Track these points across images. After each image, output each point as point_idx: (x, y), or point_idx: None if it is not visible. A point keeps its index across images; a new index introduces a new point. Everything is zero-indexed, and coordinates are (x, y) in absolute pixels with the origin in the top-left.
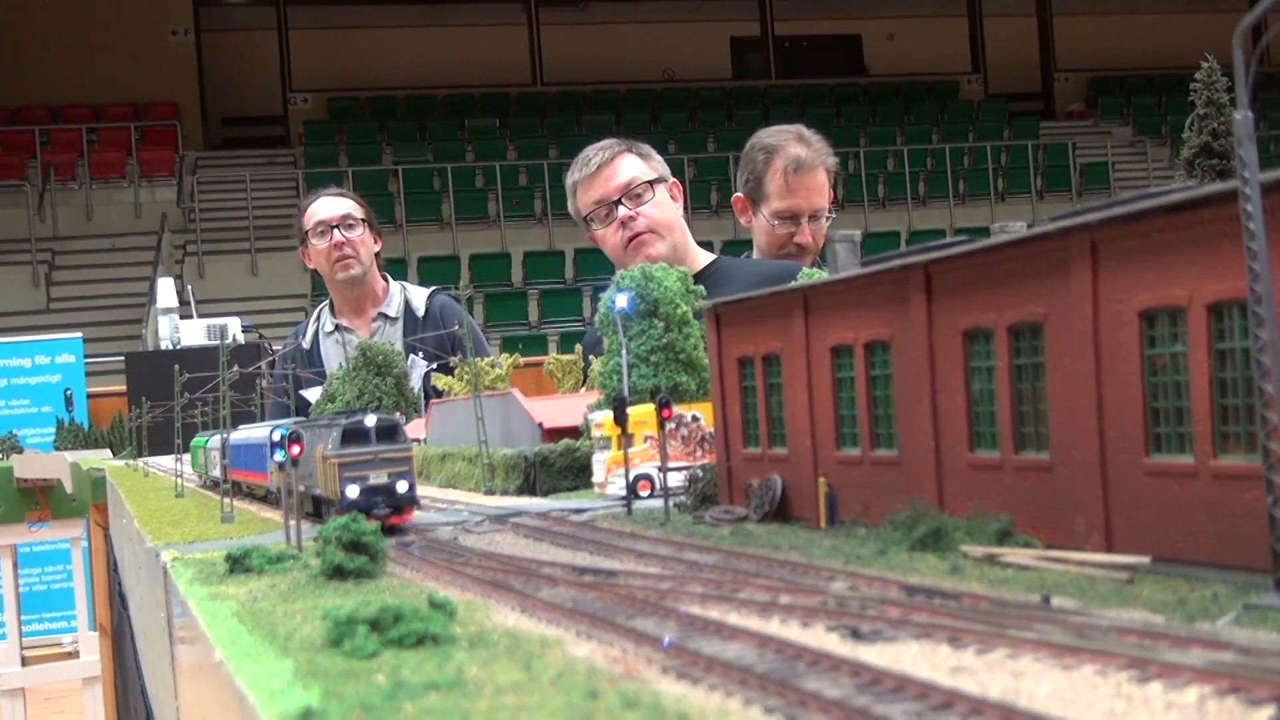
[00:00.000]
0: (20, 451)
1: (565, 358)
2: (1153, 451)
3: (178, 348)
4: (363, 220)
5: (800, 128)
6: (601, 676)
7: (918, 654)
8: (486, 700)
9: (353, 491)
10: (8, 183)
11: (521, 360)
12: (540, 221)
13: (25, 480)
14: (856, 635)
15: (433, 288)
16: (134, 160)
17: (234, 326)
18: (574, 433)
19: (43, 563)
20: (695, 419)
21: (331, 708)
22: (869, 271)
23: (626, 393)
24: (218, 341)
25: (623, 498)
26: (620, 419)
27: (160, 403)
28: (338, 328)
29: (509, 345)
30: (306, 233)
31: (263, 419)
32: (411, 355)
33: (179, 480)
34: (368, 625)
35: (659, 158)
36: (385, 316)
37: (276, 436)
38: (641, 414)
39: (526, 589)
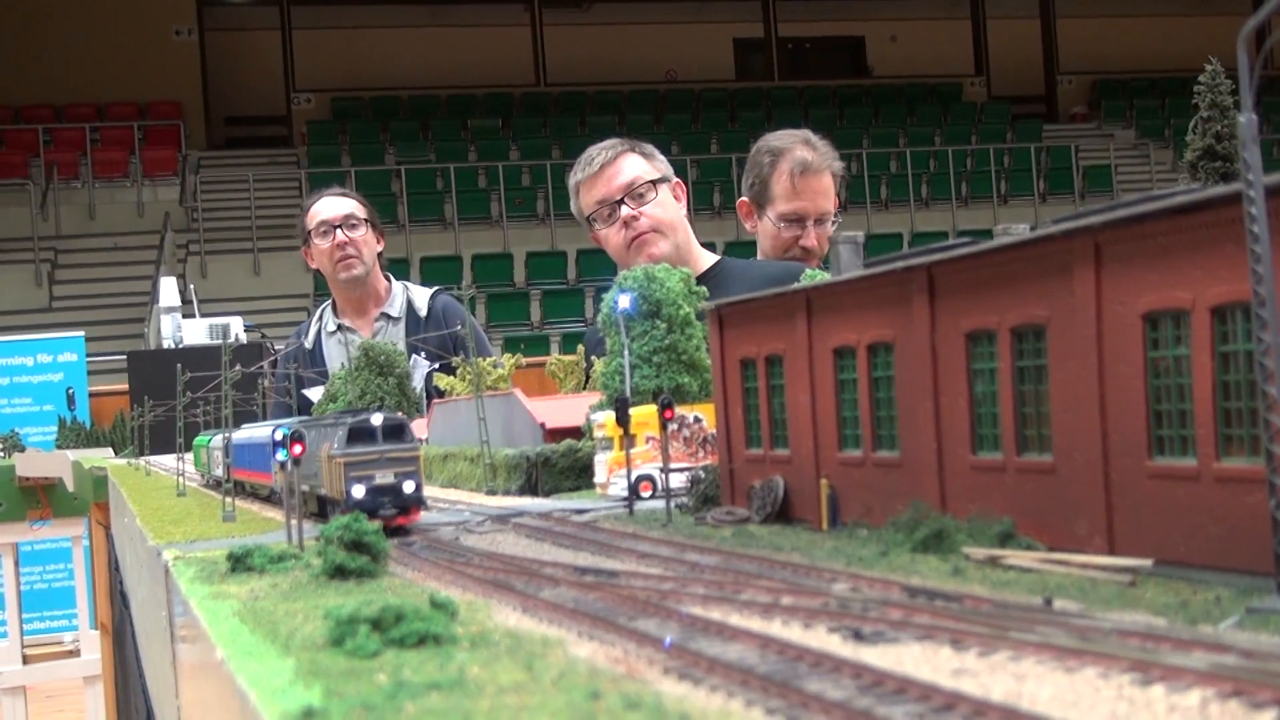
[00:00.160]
0: (22, 450)
1: (567, 358)
2: (1155, 454)
3: (180, 347)
4: (365, 220)
5: (806, 132)
6: (603, 677)
7: (920, 656)
8: (488, 700)
9: (358, 491)
10: (11, 181)
11: (524, 360)
12: (543, 222)
13: (27, 479)
14: (858, 637)
15: (435, 288)
16: (137, 159)
17: (236, 326)
18: (576, 433)
19: (44, 561)
20: (697, 420)
21: (333, 707)
22: (872, 273)
23: (629, 393)
24: (220, 341)
25: (624, 498)
26: (622, 420)
27: (162, 402)
28: (340, 328)
29: (511, 345)
30: (309, 232)
31: (265, 419)
32: (414, 355)
33: (181, 479)
34: (369, 625)
35: (662, 158)
36: (388, 316)
37: (279, 436)
38: (644, 415)
39: (528, 589)
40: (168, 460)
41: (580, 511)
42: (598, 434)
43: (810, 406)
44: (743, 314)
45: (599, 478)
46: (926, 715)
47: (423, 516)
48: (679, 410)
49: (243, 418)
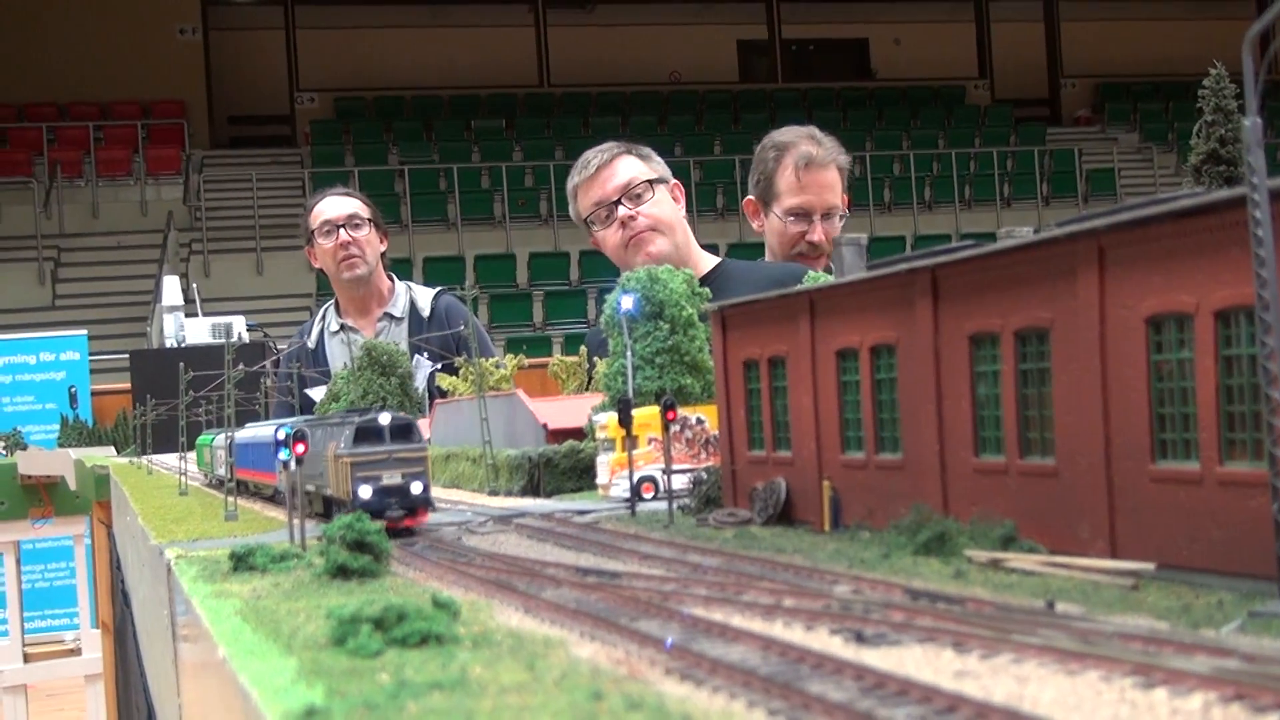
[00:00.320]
0: (24, 448)
1: (570, 359)
2: (1158, 458)
3: (182, 346)
4: (369, 220)
5: (812, 128)
6: (605, 677)
7: (921, 658)
8: (490, 700)
9: (365, 492)
10: (14, 180)
11: (526, 361)
12: (546, 223)
13: (29, 477)
14: (860, 639)
15: (438, 288)
16: (140, 158)
17: (239, 325)
18: (578, 434)
19: (46, 559)
20: (700, 421)
21: (335, 706)
22: (875, 275)
23: (631, 394)
24: (222, 340)
25: (627, 500)
26: (625, 421)
27: (164, 401)
28: (343, 327)
29: (513, 346)
30: (312, 232)
31: (267, 418)
32: (416, 355)
33: (183, 478)
34: (371, 624)
35: (659, 160)
36: (391, 316)
37: (282, 435)
38: (646, 416)
39: (530, 590)
40: (170, 459)
41: (582, 512)
42: (600, 435)
43: (813, 408)
44: (746, 315)
45: (601, 479)
46: (928, 717)
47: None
48: (681, 411)
49: (245, 417)
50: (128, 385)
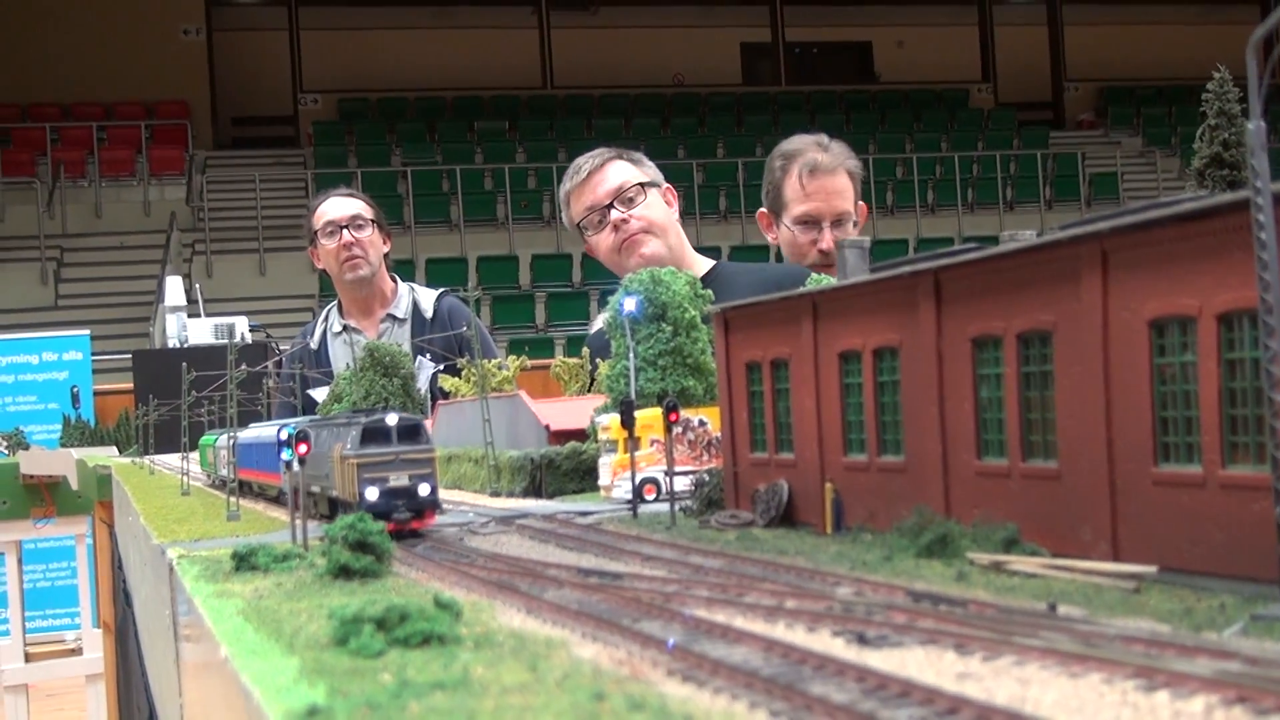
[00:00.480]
0: (26, 448)
1: (572, 360)
2: (1161, 461)
3: (185, 346)
4: (372, 221)
5: (820, 136)
6: (607, 678)
7: (923, 660)
8: (492, 700)
9: (372, 494)
10: (18, 180)
11: (528, 362)
12: (548, 224)
13: (31, 476)
14: (862, 640)
15: (441, 289)
16: (144, 159)
17: (241, 325)
18: (580, 435)
19: (47, 559)
20: (702, 423)
21: (337, 705)
22: (878, 278)
23: (634, 396)
24: (225, 340)
25: (629, 501)
26: (627, 422)
27: (167, 401)
28: (346, 328)
29: (516, 347)
30: (316, 233)
31: (269, 418)
32: (419, 357)
33: (185, 478)
34: (374, 624)
35: (651, 164)
36: (393, 318)
37: (284, 435)
38: (648, 417)
39: (532, 590)
40: (172, 459)
41: (584, 514)
42: (602, 436)
43: (815, 410)
44: (748, 317)
45: (603, 480)
46: (930, 719)
47: None
48: (684, 413)
49: (247, 417)
50: (130, 385)
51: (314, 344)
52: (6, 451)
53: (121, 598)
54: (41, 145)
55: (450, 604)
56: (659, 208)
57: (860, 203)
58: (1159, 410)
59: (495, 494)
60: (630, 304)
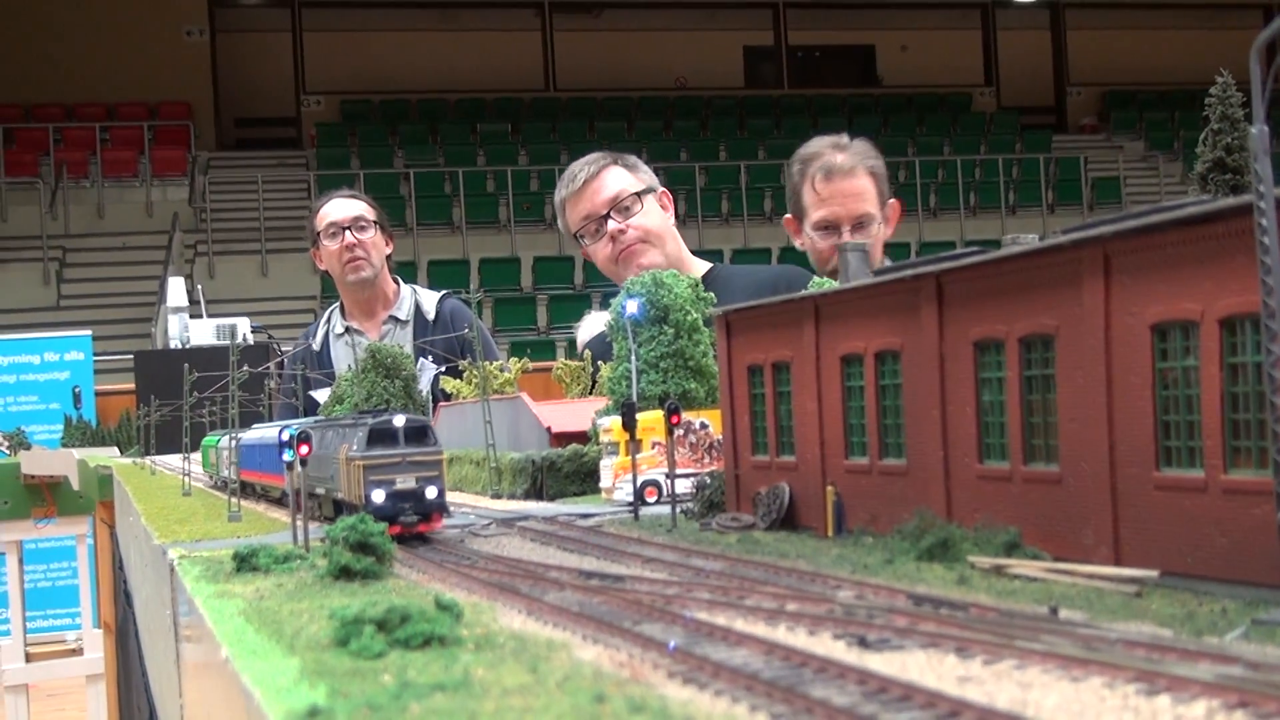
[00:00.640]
0: (28, 448)
1: (574, 363)
2: (1163, 465)
3: (187, 347)
4: (375, 222)
5: (839, 137)
6: (608, 680)
7: (924, 663)
8: (493, 702)
9: (378, 496)
10: (21, 180)
11: (530, 365)
12: (550, 227)
13: (32, 476)
14: (863, 643)
15: (443, 291)
16: (146, 159)
17: (243, 327)
18: (582, 438)
19: (48, 559)
20: (704, 426)
21: (338, 706)
22: (880, 281)
23: (635, 398)
24: (227, 341)
25: (630, 503)
26: (629, 425)
27: (168, 402)
28: (348, 330)
29: (517, 350)
30: (318, 234)
31: (270, 419)
32: (421, 358)
33: (186, 479)
34: (375, 625)
35: (646, 169)
36: (396, 319)
37: (286, 436)
38: (650, 420)
39: (533, 592)
40: (173, 460)
41: (585, 516)
42: (604, 439)
43: (817, 413)
44: (751, 320)
45: (604, 482)
46: None
47: None
48: (685, 416)
49: (249, 418)
50: (132, 386)
51: (316, 345)
52: (8, 451)
53: (122, 598)
54: (44, 145)
55: (451, 605)
56: (655, 215)
57: (893, 200)
58: (1161, 414)
59: (497, 496)
60: (632, 306)
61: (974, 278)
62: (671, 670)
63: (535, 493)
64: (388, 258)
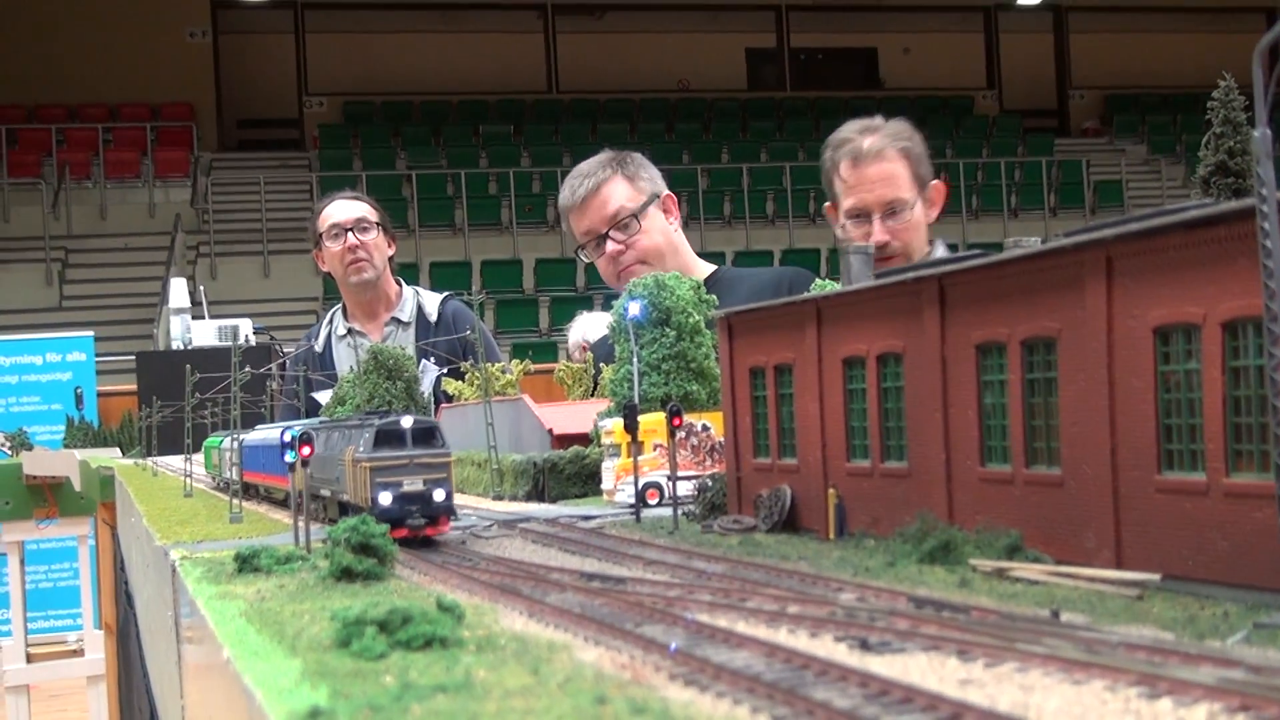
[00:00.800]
0: (30, 448)
1: (575, 365)
2: (1164, 468)
3: (189, 348)
4: (377, 224)
5: (871, 120)
6: (609, 682)
7: (926, 666)
8: (494, 703)
9: (385, 498)
10: (23, 181)
11: (532, 367)
12: (552, 229)
13: (34, 477)
14: (865, 646)
15: (446, 293)
16: (149, 160)
17: (245, 328)
18: (584, 439)
19: (49, 560)
20: (705, 428)
21: (339, 707)
22: (882, 284)
23: (637, 400)
24: (229, 342)
25: (631, 505)
26: (631, 427)
27: (170, 403)
28: (350, 331)
29: (519, 352)
30: (320, 235)
31: (272, 420)
32: (423, 360)
33: (188, 480)
34: (376, 626)
35: (650, 172)
36: (398, 321)
37: (288, 437)
38: (652, 422)
39: (535, 594)
40: (175, 461)
41: (587, 518)
42: (605, 440)
43: (819, 416)
44: (753, 323)
45: (606, 484)
46: None
47: None
48: (687, 418)
49: (251, 420)
50: (134, 387)
51: (319, 347)
52: (10, 452)
53: (123, 599)
54: (47, 146)
55: (453, 607)
56: (656, 228)
57: (935, 181)
58: (1163, 418)
59: (498, 498)
60: (634, 308)
61: (976, 280)
62: (673, 672)
63: (537, 494)
64: (390, 259)
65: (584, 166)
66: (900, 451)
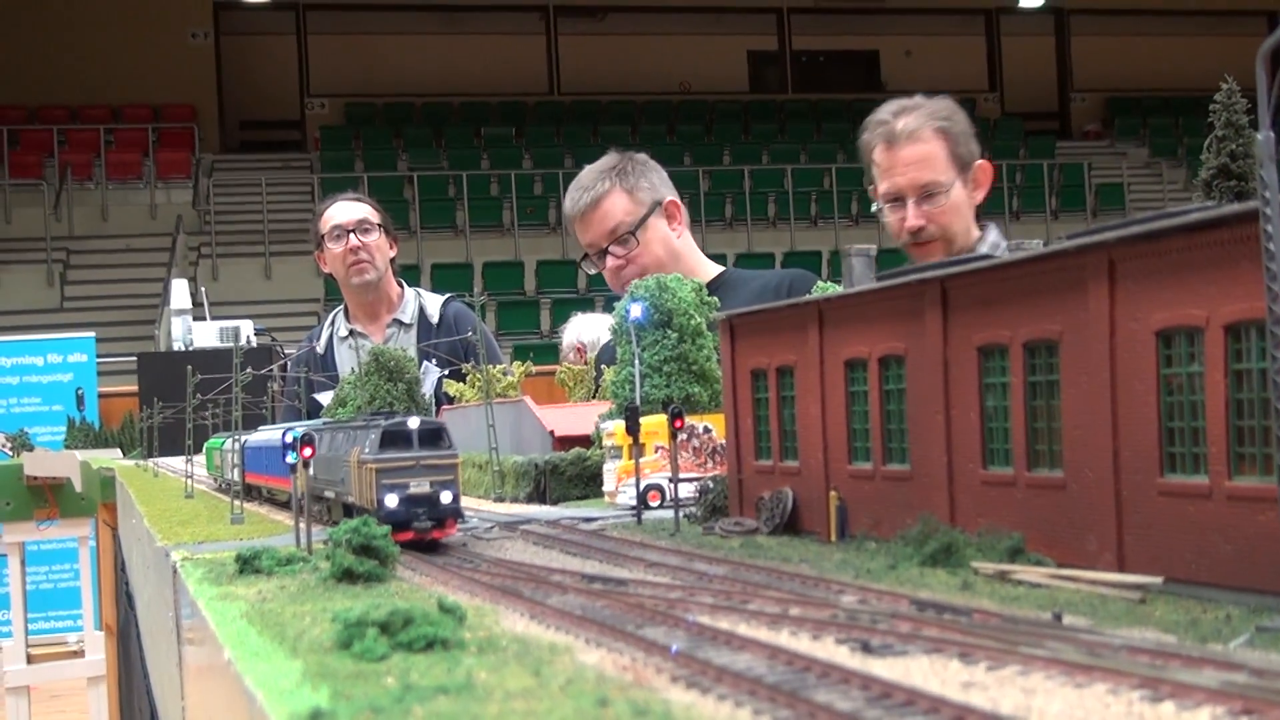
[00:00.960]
0: (31, 449)
1: (577, 367)
2: (1167, 471)
3: (190, 349)
4: (379, 225)
5: (909, 99)
6: (611, 684)
7: (928, 668)
8: (495, 705)
9: (392, 501)
10: (25, 182)
11: (533, 368)
12: (554, 230)
13: (35, 478)
14: (867, 648)
15: (448, 295)
16: (151, 162)
17: (247, 329)
18: (585, 441)
19: (50, 561)
20: (707, 430)
21: (340, 709)
22: (884, 286)
23: (639, 402)
24: (230, 344)
25: (633, 507)
26: (632, 429)
27: (171, 404)
28: (352, 333)
29: (520, 353)
30: (322, 237)
31: (273, 422)
32: (425, 362)
33: (189, 481)
34: (377, 628)
35: (653, 178)
36: (400, 323)
37: (289, 438)
38: (653, 424)
39: (536, 596)
40: (176, 462)
41: (588, 519)
42: (607, 442)
43: (820, 418)
44: (754, 325)
45: (607, 486)
46: None
47: None
48: (689, 420)
49: (252, 421)
50: (135, 388)
51: (320, 348)
52: (11, 453)
53: (124, 600)
54: (49, 147)
55: (454, 609)
56: (657, 239)
57: (981, 161)
58: (1165, 421)
59: (499, 499)
60: (636, 310)
61: (978, 283)
62: (674, 674)
63: (538, 496)
64: (392, 261)
65: (584, 177)
66: (902, 454)
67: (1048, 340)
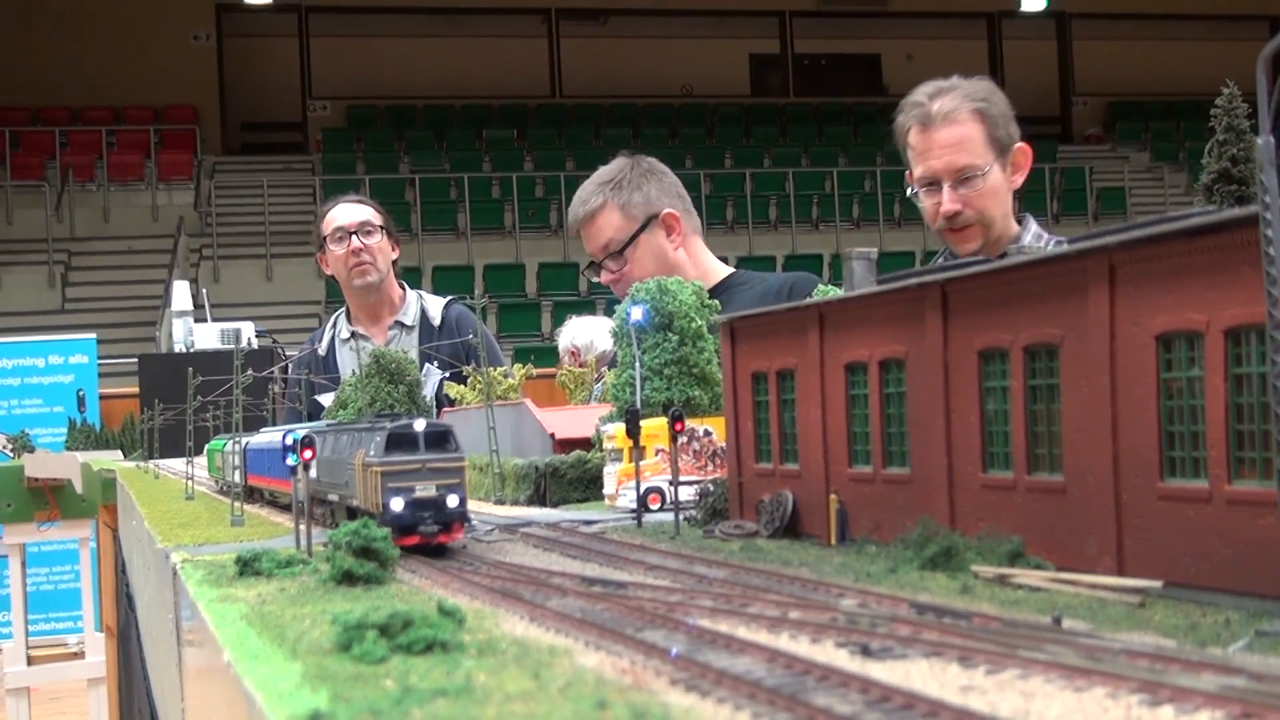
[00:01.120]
0: (31, 451)
1: (577, 369)
2: (1167, 475)
3: (191, 351)
4: (381, 228)
5: (944, 80)
6: (610, 687)
7: (927, 672)
8: (495, 707)
9: (397, 504)
10: (27, 183)
11: (534, 371)
12: (555, 233)
13: (36, 479)
14: (866, 652)
15: (449, 297)
16: (153, 163)
17: (248, 331)
18: (585, 444)
19: (50, 562)
20: (707, 433)
21: (340, 711)
22: (885, 289)
23: (639, 405)
24: (231, 346)
25: (633, 510)
26: (633, 431)
27: (172, 406)
28: (354, 335)
29: (521, 356)
30: (324, 238)
31: (274, 424)
32: (426, 364)
33: (190, 483)
34: (377, 630)
35: (650, 190)
36: (401, 325)
37: (289, 440)
38: (654, 427)
39: (536, 598)
40: (177, 464)
41: (589, 522)
42: (607, 445)
43: (821, 422)
44: (755, 328)
45: (608, 489)
46: None
47: None
48: (689, 423)
49: (253, 423)
50: (136, 389)
51: (322, 350)
52: (11, 454)
53: (124, 602)
54: (51, 149)
55: (454, 611)
56: (650, 254)
57: (1020, 144)
58: (1165, 425)
59: (500, 502)
60: (637, 313)
61: (979, 287)
62: (674, 677)
63: (538, 499)
64: (394, 263)
65: (584, 189)
66: (902, 457)
67: (1048, 344)
